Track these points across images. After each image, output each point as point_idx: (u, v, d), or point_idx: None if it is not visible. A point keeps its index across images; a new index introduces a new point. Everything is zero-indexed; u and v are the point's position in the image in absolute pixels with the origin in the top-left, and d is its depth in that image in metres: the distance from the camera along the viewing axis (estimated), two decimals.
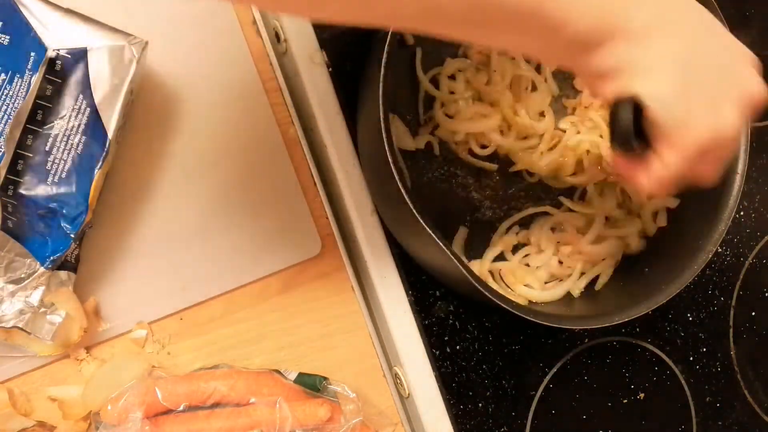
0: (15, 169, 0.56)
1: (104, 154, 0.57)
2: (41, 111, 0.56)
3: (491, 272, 0.72)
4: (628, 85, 0.46)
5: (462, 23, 0.42)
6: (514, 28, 0.43)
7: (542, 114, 0.74)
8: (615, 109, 0.48)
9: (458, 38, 0.48)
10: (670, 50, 0.46)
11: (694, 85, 0.47)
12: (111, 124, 0.57)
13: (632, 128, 0.48)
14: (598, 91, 0.49)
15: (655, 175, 0.50)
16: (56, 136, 0.56)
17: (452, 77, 0.72)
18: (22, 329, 0.57)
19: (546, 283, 0.73)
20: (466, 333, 0.73)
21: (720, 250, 0.81)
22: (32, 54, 0.56)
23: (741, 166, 0.68)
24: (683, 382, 0.80)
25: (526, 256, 0.73)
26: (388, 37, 0.58)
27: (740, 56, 0.51)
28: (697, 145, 0.48)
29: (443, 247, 0.57)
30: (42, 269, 0.57)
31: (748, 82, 0.50)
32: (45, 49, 0.56)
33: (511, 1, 0.41)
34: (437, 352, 0.71)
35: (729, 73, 0.49)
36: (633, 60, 0.45)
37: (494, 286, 0.71)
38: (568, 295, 0.73)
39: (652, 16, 0.45)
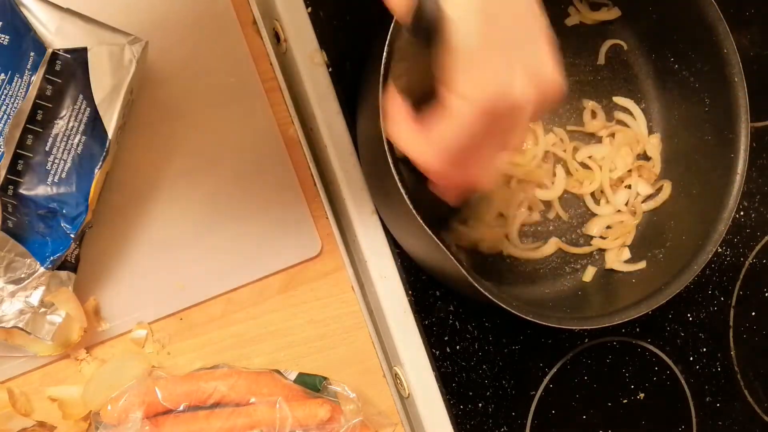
0: (15, 169, 0.56)
1: (104, 154, 0.57)
2: (41, 111, 0.56)
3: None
4: None
5: None
6: None
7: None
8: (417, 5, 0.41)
9: None
10: None
11: (498, 24, 0.41)
12: (111, 124, 0.57)
13: (434, 27, 0.41)
14: None
15: (438, 131, 0.43)
16: (56, 136, 0.56)
17: None
18: (22, 329, 0.57)
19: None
20: (466, 333, 0.73)
21: (720, 250, 0.81)
22: (32, 54, 0.56)
23: (741, 166, 0.68)
24: (683, 382, 0.80)
25: None
26: (388, 37, 0.58)
27: (546, 36, 0.45)
28: (487, 92, 0.41)
29: (443, 247, 0.57)
30: (42, 269, 0.57)
31: (545, 63, 0.44)
32: (45, 49, 0.56)
33: None
34: (437, 352, 0.71)
35: (530, 36, 0.44)
36: None
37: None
38: (570, 293, 0.73)
39: None
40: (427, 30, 0.41)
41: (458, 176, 0.46)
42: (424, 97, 0.43)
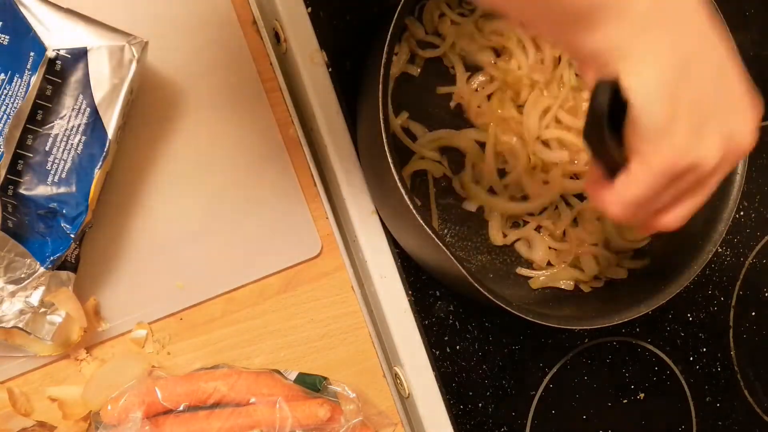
0: (15, 169, 0.56)
1: (104, 154, 0.57)
2: (41, 111, 0.56)
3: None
4: (614, 70, 0.42)
5: None
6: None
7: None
8: (594, 91, 0.43)
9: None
10: (668, 47, 0.42)
11: (684, 94, 0.42)
12: (111, 124, 0.57)
13: (607, 112, 0.43)
14: (586, 73, 0.45)
15: (620, 191, 0.46)
16: (56, 136, 0.56)
17: None
18: (22, 329, 0.57)
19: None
20: (466, 333, 0.73)
21: (720, 250, 0.81)
22: (32, 54, 0.56)
23: (741, 166, 0.68)
24: (683, 382, 0.80)
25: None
26: (388, 37, 0.58)
27: (740, 92, 0.45)
28: (671, 164, 0.43)
29: (443, 247, 0.57)
30: (42, 269, 0.57)
31: (738, 122, 0.45)
32: (45, 49, 0.56)
33: None
34: (437, 352, 0.71)
35: (724, 101, 0.44)
36: (626, 45, 0.41)
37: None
38: (569, 294, 0.73)
39: (656, 4, 0.41)
40: (598, 116, 0.43)
41: (647, 220, 0.49)
42: (614, 164, 0.47)
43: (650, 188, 0.45)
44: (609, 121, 0.44)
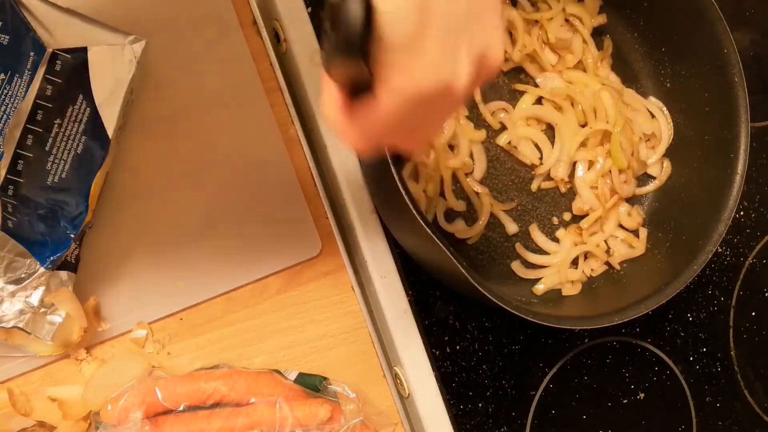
0: (15, 169, 0.56)
1: (104, 154, 0.57)
2: (41, 111, 0.56)
3: None
4: None
5: None
6: None
7: None
8: (342, 2, 0.37)
9: None
10: None
11: (435, 8, 0.38)
12: (111, 124, 0.57)
13: (362, 29, 0.37)
14: None
15: (364, 120, 0.42)
16: (56, 136, 0.56)
17: None
18: (22, 329, 0.57)
19: None
20: (466, 333, 0.73)
21: (720, 250, 0.81)
22: (32, 54, 0.56)
23: (741, 166, 0.68)
24: (683, 382, 0.80)
25: None
26: None
27: (493, 11, 0.42)
28: (420, 87, 0.40)
29: (443, 247, 0.57)
30: (42, 269, 0.57)
31: (491, 39, 0.42)
32: (45, 49, 0.56)
33: None
34: (437, 352, 0.71)
35: (476, 18, 0.41)
36: None
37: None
38: (569, 294, 0.73)
39: None
40: (349, 28, 0.37)
41: (392, 147, 0.45)
42: (357, 85, 0.42)
43: (396, 114, 0.41)
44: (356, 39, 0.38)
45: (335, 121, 0.43)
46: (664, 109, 0.77)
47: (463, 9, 0.39)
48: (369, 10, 0.37)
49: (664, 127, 0.76)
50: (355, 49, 0.38)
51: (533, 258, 0.74)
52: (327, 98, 0.43)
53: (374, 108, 0.41)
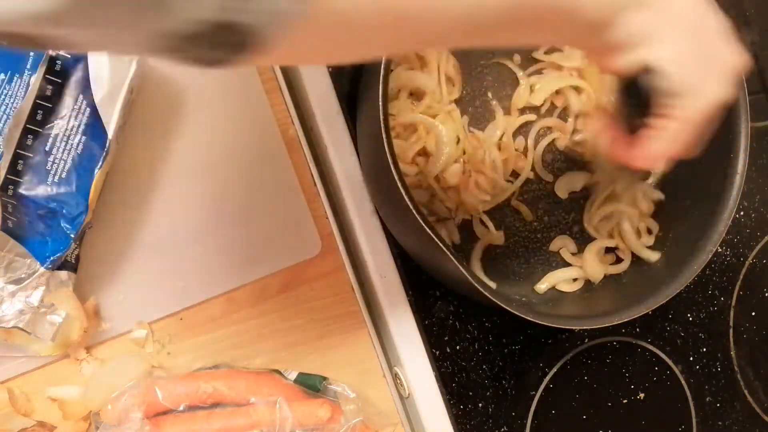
0: (15, 169, 0.56)
1: (104, 154, 0.57)
2: (41, 111, 0.56)
3: None
4: (644, 53, 0.48)
5: (495, 28, 0.43)
6: (535, 26, 0.45)
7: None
8: (634, 76, 0.49)
9: (489, 44, 0.51)
10: (680, 18, 0.49)
11: (704, 52, 0.50)
12: (111, 124, 0.57)
13: (649, 93, 0.49)
14: (611, 64, 0.50)
15: (657, 145, 0.52)
16: (56, 136, 0.56)
17: None
18: (22, 329, 0.57)
19: None
20: (466, 333, 0.73)
21: (720, 250, 0.81)
22: (32, 54, 0.56)
23: (741, 166, 0.68)
24: (683, 382, 0.80)
25: None
26: None
27: (726, 31, 0.53)
28: (706, 112, 0.50)
29: (443, 247, 0.57)
30: (42, 269, 0.57)
31: (736, 53, 0.53)
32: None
33: (530, 2, 0.43)
34: (437, 352, 0.71)
35: (725, 43, 0.52)
36: (646, 29, 0.48)
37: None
38: (569, 294, 0.73)
39: None
40: (646, 92, 0.49)
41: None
42: (634, 127, 0.52)
43: (690, 135, 0.51)
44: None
45: (628, 154, 0.54)
46: None
47: (713, 43, 0.51)
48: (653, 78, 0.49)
49: None
50: (647, 105, 0.50)
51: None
52: (615, 139, 0.55)
53: (668, 135, 0.51)
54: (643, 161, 0.54)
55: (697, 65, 0.50)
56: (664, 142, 0.52)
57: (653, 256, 0.73)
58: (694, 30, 0.50)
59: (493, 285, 0.72)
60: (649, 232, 0.75)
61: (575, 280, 0.74)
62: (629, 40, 0.48)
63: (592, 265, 0.73)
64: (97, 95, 0.57)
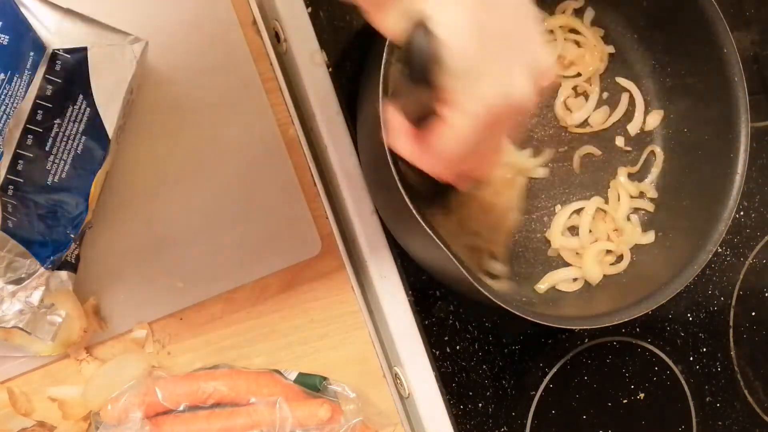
0: (15, 169, 0.56)
1: (104, 154, 0.57)
2: (41, 111, 0.56)
3: None
4: (419, 11, 0.41)
5: None
6: None
7: None
8: (411, 36, 0.42)
9: None
10: None
11: (490, 31, 0.42)
12: (111, 124, 0.57)
13: (429, 61, 0.41)
14: (384, 18, 0.43)
15: (440, 142, 0.45)
16: (56, 136, 0.56)
17: None
18: (22, 329, 0.57)
19: None
20: (466, 333, 0.73)
21: (720, 250, 0.81)
22: (32, 54, 0.56)
23: (741, 166, 0.68)
24: (683, 382, 0.80)
25: None
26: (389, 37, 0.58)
27: (534, 24, 0.46)
28: (488, 105, 0.43)
29: (443, 247, 0.57)
30: (42, 269, 0.57)
31: (539, 52, 0.45)
32: (44, 49, 0.56)
33: None
34: (437, 352, 0.71)
35: (523, 35, 0.44)
36: None
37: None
38: (569, 294, 0.73)
39: None
40: (422, 59, 0.42)
41: (463, 170, 0.48)
42: (422, 114, 0.45)
43: (470, 135, 0.44)
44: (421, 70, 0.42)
45: (409, 150, 0.46)
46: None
47: (514, 32, 0.43)
48: (432, 43, 0.41)
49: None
50: (425, 75, 0.42)
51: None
52: (396, 131, 0.47)
53: (448, 132, 0.44)
54: (425, 161, 0.46)
55: (485, 43, 0.41)
56: (449, 139, 0.44)
57: (647, 239, 0.74)
58: (491, 3, 0.42)
59: (493, 285, 0.72)
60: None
61: (575, 280, 0.74)
62: None
63: (591, 267, 0.73)
64: (97, 95, 0.57)
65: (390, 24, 0.42)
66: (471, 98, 0.43)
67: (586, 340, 0.76)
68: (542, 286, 0.73)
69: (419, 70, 0.42)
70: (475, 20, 0.41)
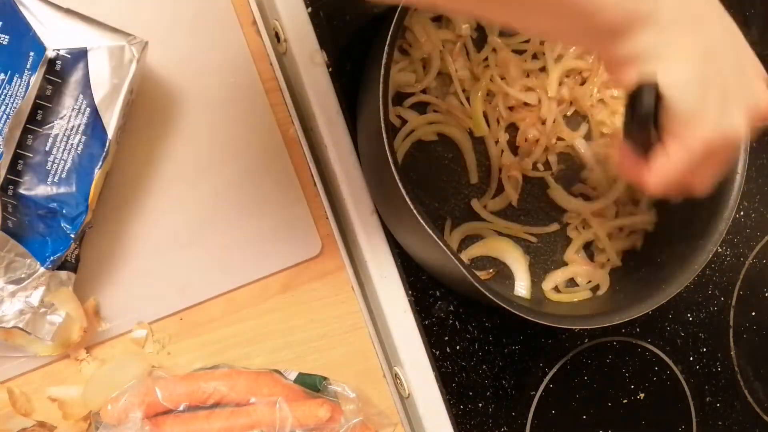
0: (15, 169, 0.56)
1: (104, 154, 0.57)
2: (41, 111, 0.56)
3: None
4: (651, 71, 0.48)
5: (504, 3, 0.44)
6: (550, 11, 0.45)
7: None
8: (637, 92, 0.49)
9: (497, 18, 0.52)
10: (694, 43, 0.48)
11: (711, 80, 0.48)
12: (111, 124, 0.57)
13: (653, 111, 0.49)
14: (620, 76, 0.50)
15: (659, 169, 0.51)
16: (56, 136, 0.56)
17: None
18: (22, 329, 0.57)
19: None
20: (466, 333, 0.72)
21: (720, 250, 0.81)
22: (32, 54, 0.56)
23: (741, 166, 0.68)
24: (683, 382, 0.80)
25: None
26: (388, 37, 0.58)
27: (754, 67, 0.52)
28: (705, 140, 0.49)
29: (443, 246, 0.57)
30: (42, 269, 0.57)
31: (758, 92, 0.51)
32: (44, 49, 0.56)
33: None
34: (437, 352, 0.71)
35: (742, 78, 0.51)
36: (658, 48, 0.47)
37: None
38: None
39: (680, 8, 0.47)
40: (648, 111, 0.49)
41: (681, 190, 0.54)
42: (646, 145, 0.52)
43: (688, 162, 0.50)
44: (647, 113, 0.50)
45: (634, 173, 0.53)
46: None
47: (733, 76, 0.49)
48: (658, 95, 0.48)
49: None
50: (648, 123, 0.49)
51: None
52: (623, 157, 0.54)
53: (669, 160, 0.50)
54: (647, 183, 0.53)
55: (706, 92, 0.48)
56: (667, 167, 0.51)
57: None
58: (713, 55, 0.48)
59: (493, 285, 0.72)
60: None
61: (587, 282, 0.74)
62: (641, 53, 0.47)
63: (602, 275, 0.73)
64: (97, 95, 0.57)
65: (625, 81, 0.49)
66: (691, 136, 0.49)
67: (586, 340, 0.76)
68: (546, 287, 0.73)
69: (644, 120, 0.49)
70: (700, 76, 0.48)
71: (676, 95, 0.48)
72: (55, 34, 0.56)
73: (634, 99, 0.49)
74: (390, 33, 0.58)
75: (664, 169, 0.51)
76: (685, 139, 0.49)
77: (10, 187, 0.56)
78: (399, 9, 0.58)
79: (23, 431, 0.59)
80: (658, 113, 0.49)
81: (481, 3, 0.45)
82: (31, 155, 0.56)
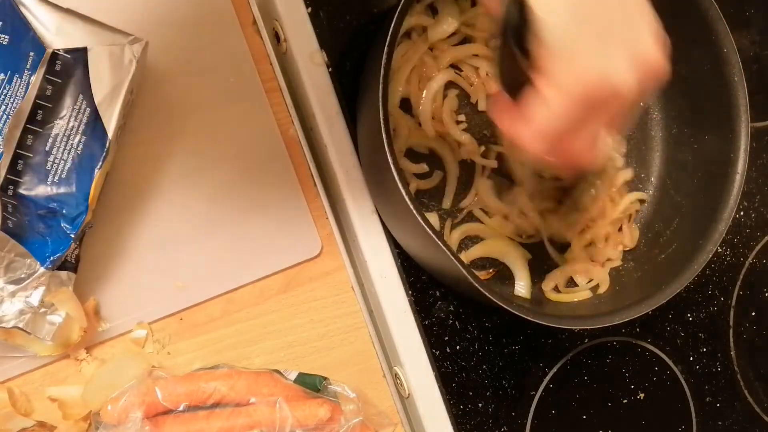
0: (15, 169, 0.56)
1: (104, 154, 0.57)
2: (41, 111, 0.56)
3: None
4: None
5: None
6: None
7: None
8: (504, 7, 0.44)
9: None
10: None
11: (589, 11, 0.42)
12: (111, 124, 0.57)
13: (521, 31, 0.43)
14: None
15: (535, 118, 0.45)
16: (56, 136, 0.56)
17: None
18: (22, 329, 0.57)
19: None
20: (466, 333, 0.73)
21: (720, 250, 0.81)
22: (32, 54, 0.56)
23: (741, 166, 0.68)
24: (683, 382, 0.80)
25: None
26: (388, 37, 0.58)
27: (644, 15, 0.46)
28: (582, 82, 0.43)
29: (443, 246, 0.57)
30: (42, 269, 0.57)
31: (645, 41, 0.45)
32: (44, 49, 0.56)
33: None
34: (437, 352, 0.71)
35: (629, 22, 0.44)
36: None
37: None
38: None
39: None
40: (517, 31, 0.43)
41: (562, 154, 0.48)
42: (521, 86, 0.46)
43: (566, 115, 0.44)
44: (517, 39, 0.44)
45: (510, 125, 0.47)
46: None
47: (616, 13, 0.43)
48: (526, 12, 0.42)
49: None
50: (519, 42, 0.43)
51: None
52: (497, 105, 0.47)
53: (543, 106, 0.44)
54: (523, 136, 0.46)
55: (582, 20, 0.42)
56: (544, 115, 0.44)
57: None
58: None
59: (493, 285, 0.72)
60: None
61: (587, 281, 0.74)
62: None
63: (602, 274, 0.73)
64: (97, 95, 0.57)
65: None
66: (566, 74, 0.43)
67: (586, 340, 0.76)
68: (546, 287, 0.73)
69: (514, 38, 0.43)
70: (574, 1, 0.42)
71: (544, 12, 0.42)
72: (55, 34, 0.56)
73: (504, 29, 0.44)
74: (390, 33, 0.58)
75: (541, 119, 0.45)
76: (560, 79, 0.43)
77: (10, 187, 0.56)
78: (399, 9, 0.58)
79: (23, 431, 0.59)
80: (526, 42, 0.43)
81: None
82: (31, 155, 0.56)
